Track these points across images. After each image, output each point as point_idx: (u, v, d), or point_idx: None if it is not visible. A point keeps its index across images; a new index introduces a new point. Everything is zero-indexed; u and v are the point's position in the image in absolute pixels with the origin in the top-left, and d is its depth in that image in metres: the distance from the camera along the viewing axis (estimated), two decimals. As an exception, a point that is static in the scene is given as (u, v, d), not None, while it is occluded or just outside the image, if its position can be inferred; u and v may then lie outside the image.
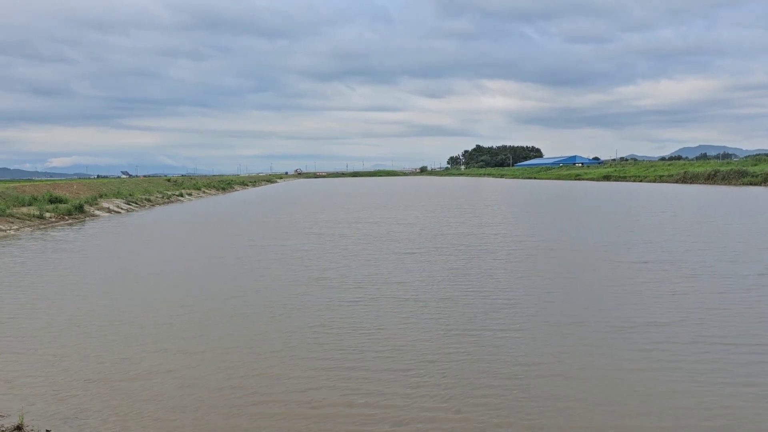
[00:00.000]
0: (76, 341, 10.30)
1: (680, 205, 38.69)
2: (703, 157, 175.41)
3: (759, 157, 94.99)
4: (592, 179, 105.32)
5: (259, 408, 7.43)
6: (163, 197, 56.94)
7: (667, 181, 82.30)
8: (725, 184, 67.86)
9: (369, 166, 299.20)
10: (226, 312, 12.08)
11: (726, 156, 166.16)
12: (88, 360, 9.31)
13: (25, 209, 32.95)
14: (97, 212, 38.82)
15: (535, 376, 8.23)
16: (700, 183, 73.93)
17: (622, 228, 25.38)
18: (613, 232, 23.86)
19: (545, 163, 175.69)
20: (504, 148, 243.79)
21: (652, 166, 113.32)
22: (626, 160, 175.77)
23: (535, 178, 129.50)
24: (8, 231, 27.48)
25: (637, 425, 6.81)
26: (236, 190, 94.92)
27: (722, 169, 77.06)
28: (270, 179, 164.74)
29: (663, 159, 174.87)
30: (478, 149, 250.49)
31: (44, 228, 29.96)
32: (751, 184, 64.91)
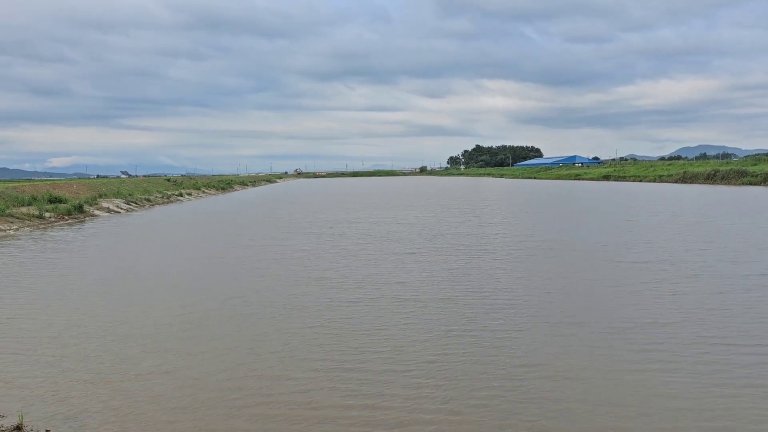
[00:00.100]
0: (76, 341, 10.29)
1: (680, 205, 38.69)
2: (703, 156, 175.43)
3: (758, 157, 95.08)
4: (592, 179, 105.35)
5: (258, 409, 7.42)
6: (162, 197, 56.92)
7: (666, 181, 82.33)
8: (725, 184, 67.89)
9: (369, 166, 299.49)
10: (226, 312, 12.07)
11: (725, 156, 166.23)
12: (88, 360, 9.30)
13: (24, 209, 32.93)
14: (96, 212, 38.79)
15: (536, 377, 8.22)
16: (699, 183, 73.96)
17: (621, 228, 25.37)
18: (613, 232, 23.86)
19: (545, 163, 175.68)
20: (504, 148, 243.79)
21: (651, 166, 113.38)
22: (626, 160, 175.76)
23: (534, 178, 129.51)
24: (8, 231, 27.46)
25: (637, 426, 6.80)
26: (236, 190, 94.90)
27: (722, 168, 77.10)
28: (270, 179, 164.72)
29: (663, 159, 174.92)
30: (478, 149, 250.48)
31: (44, 228, 29.94)
32: (750, 183, 64.95)
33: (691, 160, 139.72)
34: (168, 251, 21.72)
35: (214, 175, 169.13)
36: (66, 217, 34.19)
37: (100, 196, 45.21)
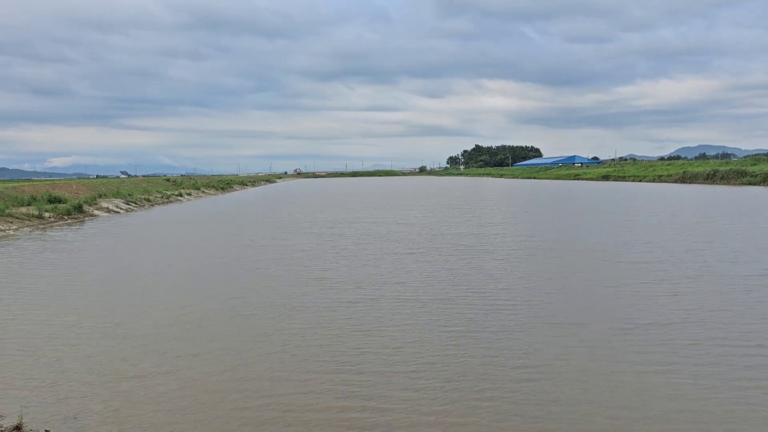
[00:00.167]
0: (75, 342, 10.27)
1: (680, 205, 38.68)
2: (703, 156, 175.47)
3: (758, 157, 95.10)
4: (592, 179, 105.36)
5: (258, 410, 7.40)
6: (162, 197, 56.89)
7: (666, 181, 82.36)
8: (724, 184, 67.91)
9: (368, 166, 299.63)
10: (226, 312, 12.05)
11: (725, 156, 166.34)
12: (87, 361, 9.28)
13: (24, 209, 32.90)
14: (96, 212, 38.77)
15: (536, 378, 8.20)
16: (699, 183, 73.98)
17: (621, 228, 25.36)
18: (613, 232, 23.84)
19: (544, 163, 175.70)
20: (503, 148, 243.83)
21: (651, 166, 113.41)
22: (625, 160, 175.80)
23: (534, 177, 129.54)
24: (7, 231, 27.43)
25: (638, 427, 6.78)
26: (235, 190, 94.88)
27: (721, 168, 77.12)
28: (269, 179, 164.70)
29: (662, 159, 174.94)
30: (478, 149, 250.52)
31: (43, 228, 29.92)
32: (750, 183, 64.98)
33: (691, 160, 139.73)
34: (168, 251, 21.70)
35: (213, 175, 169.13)
36: (65, 217, 34.17)
37: (100, 196, 45.18)
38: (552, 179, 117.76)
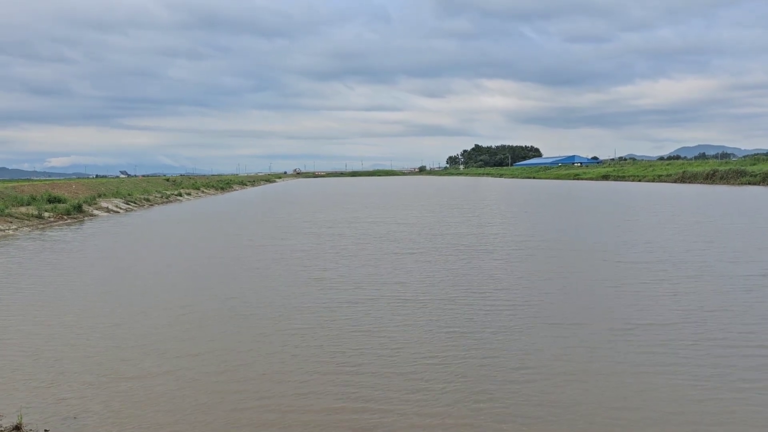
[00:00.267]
0: (75, 342, 10.25)
1: (679, 205, 38.68)
2: (702, 156, 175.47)
3: (757, 157, 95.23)
4: (591, 179, 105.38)
5: (258, 411, 7.39)
6: (162, 197, 56.87)
7: (665, 181, 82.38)
8: (724, 184, 67.93)
9: (368, 166, 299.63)
10: (226, 312, 12.04)
11: (725, 155, 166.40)
12: (87, 361, 9.27)
13: (23, 209, 32.88)
14: (95, 212, 38.74)
15: (536, 379, 8.19)
16: (698, 183, 74.00)
17: (621, 228, 25.36)
18: (613, 232, 23.84)
19: (544, 163, 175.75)
20: (503, 147, 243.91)
21: (650, 165, 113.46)
22: (625, 159, 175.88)
23: (534, 177, 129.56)
24: (7, 231, 27.41)
25: (639, 428, 6.77)
26: (235, 190, 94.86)
27: (721, 168, 77.16)
28: (269, 179, 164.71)
29: (662, 159, 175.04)
30: (477, 149, 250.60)
31: (43, 228, 29.90)
32: (749, 183, 65.00)
33: (690, 159, 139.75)
34: (167, 251, 21.69)
35: (213, 175, 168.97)
36: (65, 217, 34.14)
37: (99, 196, 45.16)
38: (552, 179, 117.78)
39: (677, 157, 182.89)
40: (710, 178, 73.40)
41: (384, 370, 8.57)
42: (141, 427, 6.96)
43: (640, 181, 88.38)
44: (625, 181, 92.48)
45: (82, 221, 34.11)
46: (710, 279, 14.25)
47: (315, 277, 15.59)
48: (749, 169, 71.80)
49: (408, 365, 8.77)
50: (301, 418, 7.13)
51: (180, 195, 63.51)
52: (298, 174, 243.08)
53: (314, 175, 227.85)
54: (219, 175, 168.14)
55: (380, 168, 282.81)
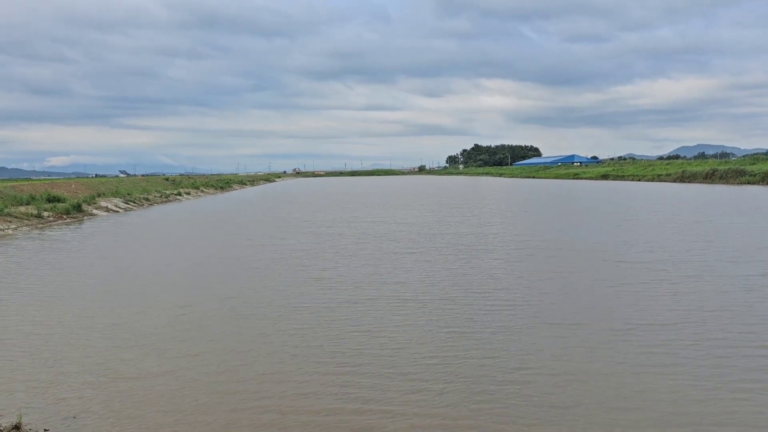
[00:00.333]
0: (75, 341, 10.24)
1: (679, 205, 38.68)
2: (701, 156, 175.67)
3: (757, 156, 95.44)
4: (591, 178, 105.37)
5: (258, 411, 7.38)
6: (161, 196, 56.84)
7: (665, 181, 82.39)
8: (723, 183, 67.95)
9: (367, 166, 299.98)
10: (225, 312, 12.03)
11: (724, 155, 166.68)
12: (87, 360, 9.25)
13: (23, 208, 32.85)
14: (95, 211, 38.72)
15: (536, 379, 8.19)
16: (698, 182, 74.00)
17: (621, 227, 25.35)
18: (613, 232, 23.83)
19: (544, 162, 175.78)
20: (502, 147, 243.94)
21: (650, 165, 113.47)
22: (624, 159, 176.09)
23: (533, 177, 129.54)
24: (6, 230, 27.38)
25: (639, 428, 6.76)
26: (234, 189, 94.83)
27: (720, 168, 77.16)
28: (268, 178, 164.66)
29: (661, 158, 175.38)
30: (477, 148, 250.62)
31: (42, 227, 29.87)
32: (749, 183, 65.02)
33: (690, 159, 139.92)
34: (167, 251, 21.67)
35: (212, 175, 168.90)
36: (64, 217, 34.12)
37: (99, 196, 45.13)
38: (551, 178, 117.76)
39: (677, 157, 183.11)
40: (709, 177, 73.40)
41: (384, 371, 8.56)
42: (141, 427, 6.95)
43: (639, 180, 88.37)
44: (625, 180, 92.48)
45: (81, 221, 34.08)
46: (710, 279, 14.25)
47: (314, 276, 15.57)
48: (748, 168, 71.82)
49: (408, 365, 8.76)
50: (300, 419, 7.12)
51: (179, 194, 63.49)
52: (298, 173, 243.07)
53: (314, 175, 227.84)
54: (218, 175, 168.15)
55: (380, 167, 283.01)
